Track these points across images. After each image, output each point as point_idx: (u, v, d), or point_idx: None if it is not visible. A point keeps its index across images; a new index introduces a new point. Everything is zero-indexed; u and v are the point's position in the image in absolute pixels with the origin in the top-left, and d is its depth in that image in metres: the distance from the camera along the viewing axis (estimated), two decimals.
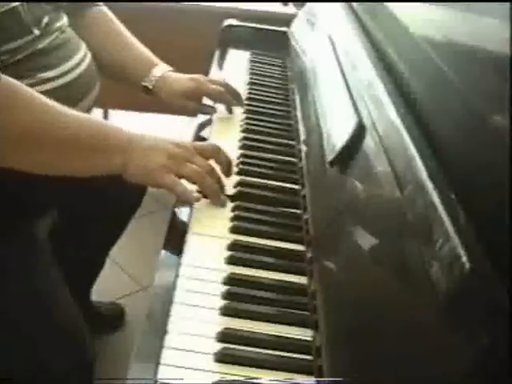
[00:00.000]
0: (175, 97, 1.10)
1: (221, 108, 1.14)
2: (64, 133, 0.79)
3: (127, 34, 1.15)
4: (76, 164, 0.82)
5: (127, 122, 1.85)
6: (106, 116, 2.24)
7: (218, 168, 0.87)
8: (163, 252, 0.76)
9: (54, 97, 0.80)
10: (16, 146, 0.77)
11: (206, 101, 1.13)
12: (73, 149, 0.80)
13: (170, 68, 1.14)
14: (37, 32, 0.90)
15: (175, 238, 0.79)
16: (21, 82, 0.79)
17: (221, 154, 0.87)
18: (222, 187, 0.86)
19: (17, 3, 0.86)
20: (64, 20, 1.00)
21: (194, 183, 0.84)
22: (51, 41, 0.93)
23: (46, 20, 0.93)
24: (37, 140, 0.77)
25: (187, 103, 1.11)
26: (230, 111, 1.14)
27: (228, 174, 0.88)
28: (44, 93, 0.81)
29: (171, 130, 2.19)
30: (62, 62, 0.94)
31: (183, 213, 0.84)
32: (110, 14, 1.16)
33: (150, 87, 1.11)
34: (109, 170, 0.81)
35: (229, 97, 1.13)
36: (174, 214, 0.84)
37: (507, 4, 0.54)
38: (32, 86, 0.85)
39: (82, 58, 0.99)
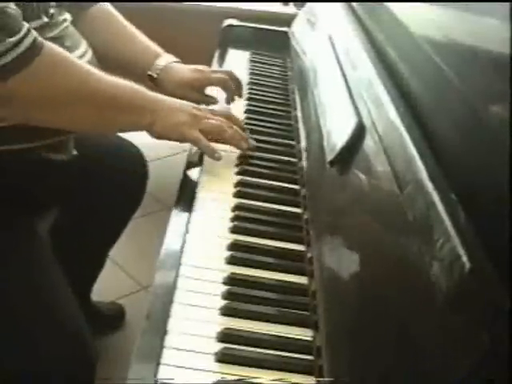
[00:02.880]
0: (179, 86, 1.11)
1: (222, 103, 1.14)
2: (103, 94, 0.90)
3: (130, 26, 1.16)
4: (112, 121, 0.93)
5: None
6: None
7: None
8: (163, 252, 0.76)
9: None
10: (60, 105, 0.87)
11: (209, 92, 1.14)
12: (111, 107, 0.91)
13: (175, 59, 1.14)
14: (45, 19, 0.91)
15: (175, 237, 0.79)
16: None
17: (233, 117, 1.00)
18: (243, 134, 0.98)
19: None
20: (67, 15, 1.00)
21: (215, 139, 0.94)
22: (58, 32, 0.94)
23: (52, 11, 0.94)
24: (80, 99, 0.88)
25: (190, 93, 1.11)
26: (229, 102, 1.14)
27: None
28: None
29: None
30: (70, 51, 0.94)
31: (183, 212, 0.84)
32: (112, 9, 1.16)
33: (155, 76, 1.12)
34: (139, 126, 0.92)
35: (231, 85, 1.14)
36: (174, 214, 0.84)
37: (507, 4, 0.54)
38: None
39: (83, 52, 0.99)
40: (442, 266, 0.45)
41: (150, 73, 1.12)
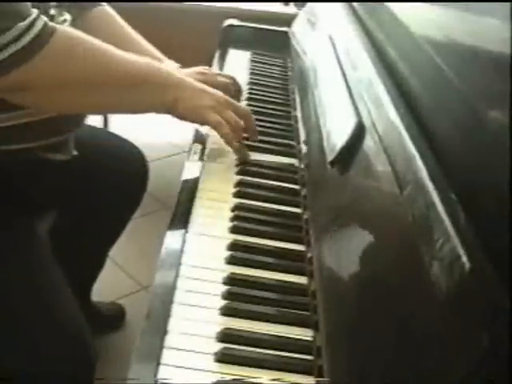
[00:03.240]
0: None
1: None
2: (125, 75, 0.88)
3: (131, 31, 1.16)
4: (135, 101, 0.91)
5: (127, 122, 1.85)
6: (105, 116, 2.23)
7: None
8: (163, 252, 0.76)
9: None
10: (80, 89, 0.86)
11: None
12: (133, 88, 0.89)
13: (176, 64, 1.14)
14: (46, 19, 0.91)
15: (175, 237, 0.79)
16: None
17: (251, 117, 0.99)
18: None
19: None
20: (67, 16, 1.00)
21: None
22: None
23: (53, 12, 0.94)
24: (101, 81, 0.87)
25: None
26: None
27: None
28: None
29: (171, 129, 2.20)
30: None
31: (183, 212, 0.84)
32: (113, 12, 1.16)
33: None
34: (162, 105, 0.90)
35: (232, 90, 1.13)
36: (174, 214, 0.84)
37: (507, 4, 0.54)
38: None
39: None
40: (442, 265, 0.45)
41: None
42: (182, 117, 0.92)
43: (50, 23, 0.81)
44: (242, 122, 0.95)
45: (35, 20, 0.79)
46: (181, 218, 0.83)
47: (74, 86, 0.85)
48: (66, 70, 0.83)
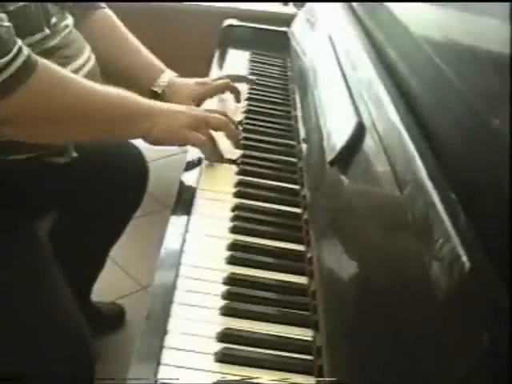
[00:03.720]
0: (184, 101, 1.12)
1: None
2: (100, 107, 0.89)
3: (133, 39, 1.16)
4: (110, 133, 0.94)
5: None
6: None
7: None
8: (163, 252, 0.76)
9: None
10: (57, 122, 0.86)
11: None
12: (108, 121, 0.90)
13: (175, 74, 1.15)
14: (47, 31, 0.91)
15: (175, 237, 0.79)
16: None
17: (229, 116, 0.98)
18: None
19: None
20: (70, 20, 1.00)
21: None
22: (60, 39, 0.94)
23: (54, 20, 0.94)
24: (77, 116, 0.87)
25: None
26: (238, 101, 1.16)
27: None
28: None
29: None
30: (69, 61, 0.94)
31: (183, 212, 0.84)
32: (115, 18, 1.16)
33: (160, 92, 1.13)
34: (138, 134, 0.91)
35: (235, 87, 1.15)
36: (174, 214, 0.84)
37: (507, 4, 0.54)
38: None
39: (86, 59, 0.99)
40: (442, 265, 0.45)
41: (154, 89, 1.13)
42: (159, 142, 0.92)
43: (33, 56, 0.81)
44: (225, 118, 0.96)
45: (16, 55, 0.78)
46: (181, 217, 0.83)
47: (54, 120, 0.86)
48: (46, 104, 0.84)
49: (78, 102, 0.87)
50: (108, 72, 1.11)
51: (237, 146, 0.98)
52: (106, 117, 0.90)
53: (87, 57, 1.00)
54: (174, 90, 1.12)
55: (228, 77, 1.16)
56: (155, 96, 1.14)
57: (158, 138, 0.91)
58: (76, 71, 0.95)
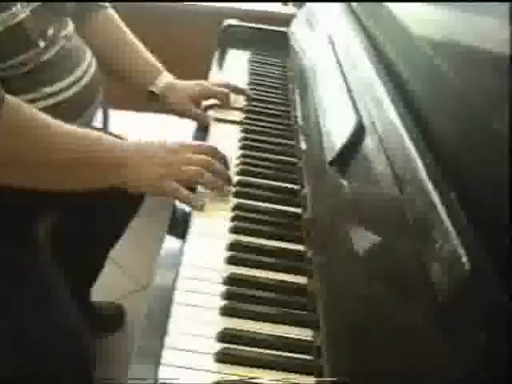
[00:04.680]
0: (181, 102, 1.12)
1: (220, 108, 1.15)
2: (66, 155, 0.81)
3: (133, 39, 1.17)
4: (74, 182, 0.85)
5: (127, 122, 1.85)
6: (105, 116, 2.23)
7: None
8: (163, 252, 0.76)
9: (58, 109, 0.81)
10: (20, 167, 0.79)
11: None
12: (74, 169, 0.82)
13: (171, 76, 1.16)
14: (42, 44, 0.90)
15: (175, 237, 0.79)
16: (24, 96, 0.81)
17: (216, 151, 0.90)
18: (225, 174, 0.88)
19: (22, 17, 0.85)
20: (70, 28, 1.00)
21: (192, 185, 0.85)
22: (57, 51, 0.94)
23: (51, 31, 0.93)
24: (40, 162, 0.80)
25: (190, 109, 1.13)
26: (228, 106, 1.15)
27: (227, 169, 0.91)
28: (47, 108, 0.82)
29: (171, 130, 2.19)
30: (66, 75, 0.94)
31: (183, 213, 0.84)
32: (117, 18, 1.17)
33: (157, 92, 1.14)
34: (108, 185, 0.84)
35: (228, 101, 1.16)
36: (174, 214, 0.84)
37: (507, 4, 0.54)
38: (35, 100, 0.87)
39: (86, 67, 0.99)
40: (442, 266, 0.45)
41: (152, 89, 1.14)
42: (137, 191, 0.85)
43: (1, 92, 0.75)
44: (206, 158, 0.86)
45: None
46: (181, 218, 0.83)
47: (12, 165, 0.79)
48: (12, 145, 0.77)
49: (41, 145, 0.79)
50: (108, 71, 1.12)
51: (220, 193, 0.87)
52: (72, 164, 0.82)
53: (87, 66, 1.00)
54: (171, 91, 1.13)
55: (228, 86, 1.17)
56: (151, 96, 1.14)
57: (135, 189, 0.85)
58: (72, 85, 0.95)
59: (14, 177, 0.81)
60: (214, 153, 0.89)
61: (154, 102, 1.15)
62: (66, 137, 0.81)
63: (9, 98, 0.76)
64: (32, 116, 0.79)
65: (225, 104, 1.15)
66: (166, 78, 1.15)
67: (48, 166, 0.81)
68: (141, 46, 1.17)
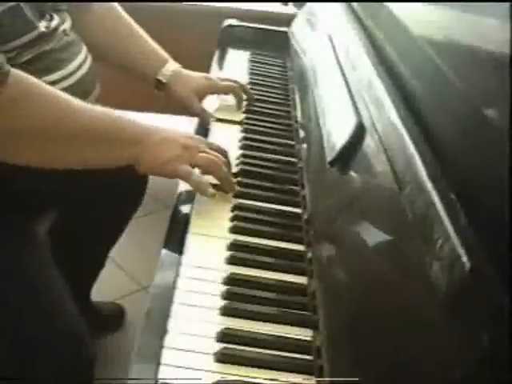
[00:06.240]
0: (187, 93, 1.12)
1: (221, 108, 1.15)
2: (77, 127, 0.80)
3: (138, 28, 1.16)
4: (89, 156, 0.82)
5: None
6: None
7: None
8: (163, 252, 0.76)
9: None
10: (29, 141, 0.78)
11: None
12: (86, 142, 0.81)
13: (178, 64, 1.16)
14: (42, 28, 0.90)
15: (175, 237, 0.79)
16: None
17: (226, 155, 0.90)
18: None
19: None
20: (68, 23, 1.00)
21: (206, 173, 0.86)
22: (56, 42, 0.94)
23: (54, 24, 0.93)
24: (49, 134, 0.78)
25: (196, 102, 1.12)
26: (239, 108, 1.16)
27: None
28: None
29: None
30: (65, 64, 0.94)
31: (183, 213, 0.84)
32: (118, 8, 1.16)
33: (164, 81, 1.13)
34: (122, 162, 0.83)
35: (240, 92, 1.16)
36: (174, 214, 0.84)
37: (507, 4, 0.54)
38: None
39: (83, 60, 0.99)
40: (442, 265, 0.45)
41: (159, 77, 1.13)
42: (147, 172, 0.86)
43: (6, 66, 0.73)
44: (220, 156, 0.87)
45: None
46: (180, 217, 0.83)
47: (22, 139, 0.77)
48: (16, 119, 0.75)
49: (54, 120, 0.78)
50: (114, 61, 1.11)
51: (225, 191, 0.87)
52: (86, 139, 0.80)
53: (83, 58, 1.00)
54: (178, 80, 1.13)
55: (236, 83, 1.17)
56: (158, 84, 1.14)
57: (147, 168, 0.84)
58: (71, 74, 0.95)
59: (22, 150, 0.78)
60: (225, 155, 0.90)
61: (160, 91, 1.14)
62: (81, 110, 0.80)
63: (16, 72, 0.75)
64: (40, 85, 0.78)
65: (239, 100, 1.15)
66: (172, 66, 1.14)
67: (63, 139, 0.79)
68: (145, 35, 1.16)
